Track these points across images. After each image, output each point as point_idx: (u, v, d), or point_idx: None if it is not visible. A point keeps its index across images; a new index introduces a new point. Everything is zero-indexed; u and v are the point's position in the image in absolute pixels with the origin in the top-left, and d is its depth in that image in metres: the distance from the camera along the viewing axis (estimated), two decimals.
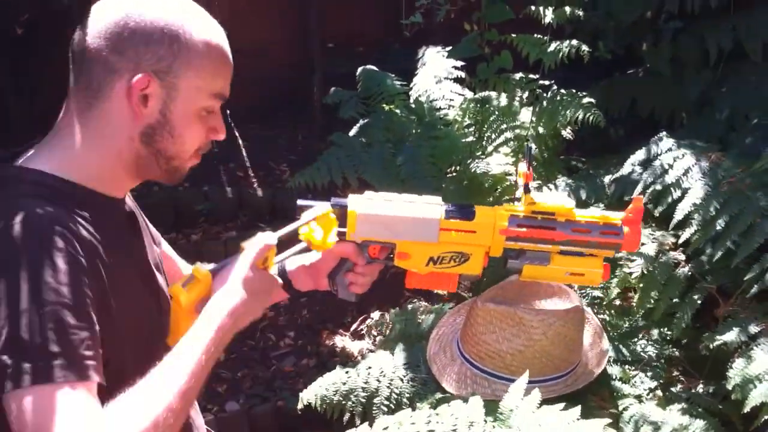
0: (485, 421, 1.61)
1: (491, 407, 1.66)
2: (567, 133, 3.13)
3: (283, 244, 1.40)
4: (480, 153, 3.07)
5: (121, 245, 1.29)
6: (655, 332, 2.21)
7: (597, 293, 2.33)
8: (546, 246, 1.48)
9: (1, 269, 1.07)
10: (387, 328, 2.86)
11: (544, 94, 3.10)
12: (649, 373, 2.10)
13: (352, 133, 3.36)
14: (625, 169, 2.48)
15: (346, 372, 2.20)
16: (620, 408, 1.99)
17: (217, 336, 1.21)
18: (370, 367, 2.20)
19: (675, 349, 2.18)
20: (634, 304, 2.28)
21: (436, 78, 3.45)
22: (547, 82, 3.18)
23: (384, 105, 3.48)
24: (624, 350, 2.15)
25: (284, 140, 5.44)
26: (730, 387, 1.91)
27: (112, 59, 1.21)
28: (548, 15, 3.09)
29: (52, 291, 1.07)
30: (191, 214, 4.59)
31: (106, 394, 1.08)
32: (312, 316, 3.92)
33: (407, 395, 2.10)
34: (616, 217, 1.48)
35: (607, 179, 2.63)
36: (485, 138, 3.11)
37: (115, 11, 1.21)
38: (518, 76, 3.35)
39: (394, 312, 2.76)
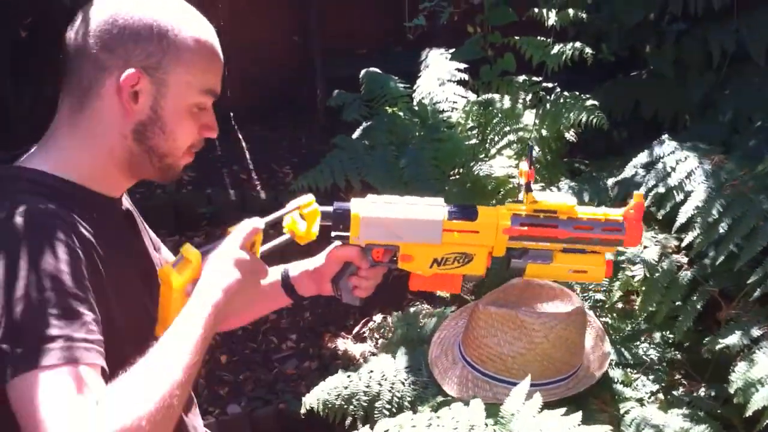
0: (486, 424, 1.60)
1: (492, 410, 1.65)
2: (570, 135, 3.12)
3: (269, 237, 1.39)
4: (483, 155, 3.06)
5: (120, 245, 1.29)
6: (657, 335, 2.20)
7: (599, 296, 2.32)
8: (549, 244, 1.48)
9: (1, 258, 1.07)
10: (389, 331, 2.86)
11: (548, 97, 3.10)
12: (650, 377, 2.09)
13: (355, 135, 3.36)
14: (628, 172, 2.47)
15: (348, 376, 2.20)
16: (622, 411, 1.98)
17: (213, 312, 1.18)
18: (371, 371, 2.20)
19: (677, 353, 2.17)
20: (636, 307, 2.27)
21: (439, 80, 3.45)
22: (550, 85, 3.19)
23: (387, 107, 3.48)
24: (626, 353, 2.15)
25: (286, 142, 5.44)
26: (732, 390, 1.90)
27: (101, 57, 1.22)
28: (551, 17, 3.09)
29: (52, 278, 1.07)
30: (194, 217, 4.58)
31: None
32: (314, 318, 3.91)
33: (409, 399, 2.10)
34: (617, 213, 1.49)
35: (610, 182, 2.62)
36: (488, 140, 3.11)
37: (104, 10, 1.23)
38: (521, 78, 3.36)
39: (396, 315, 2.75)
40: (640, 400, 2.03)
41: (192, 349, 1.12)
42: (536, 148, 3.00)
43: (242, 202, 4.71)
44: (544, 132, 3.04)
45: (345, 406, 2.13)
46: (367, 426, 1.73)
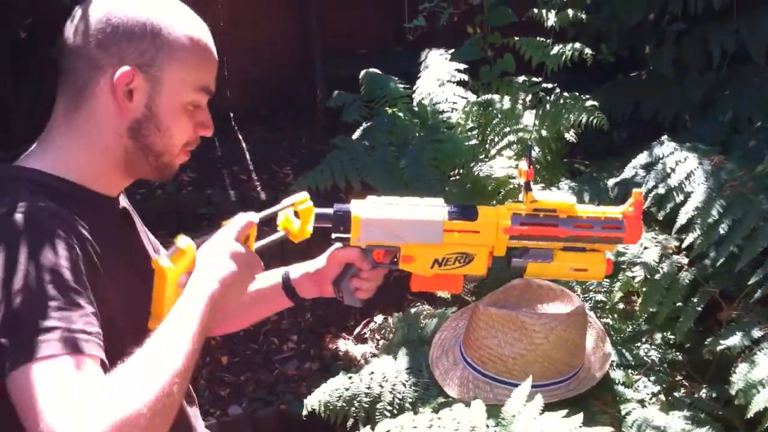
0: (487, 425, 1.60)
1: (493, 412, 1.65)
2: (570, 136, 3.12)
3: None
4: (483, 156, 3.06)
5: (118, 243, 1.30)
6: (658, 336, 2.20)
7: (600, 297, 2.32)
8: (549, 243, 1.49)
9: (0, 252, 1.07)
10: (390, 332, 2.86)
11: (547, 97, 3.10)
12: (652, 378, 2.09)
13: (355, 136, 3.36)
14: (628, 173, 2.47)
15: (349, 377, 2.20)
16: (623, 412, 1.98)
17: (209, 303, 1.17)
18: (372, 372, 2.20)
19: (678, 354, 2.17)
20: (637, 308, 2.27)
21: (439, 81, 3.45)
22: (550, 85, 3.18)
23: (387, 108, 3.48)
24: (627, 354, 2.14)
25: (287, 142, 5.43)
26: (733, 392, 1.90)
27: (96, 56, 1.23)
28: (551, 18, 3.09)
29: (51, 272, 1.07)
30: (194, 217, 4.59)
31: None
32: (315, 319, 3.91)
33: (410, 400, 2.10)
34: (616, 211, 1.49)
35: (610, 182, 2.62)
36: (488, 141, 3.10)
37: (98, 10, 1.24)
38: (521, 79, 3.36)
39: (397, 316, 2.75)
40: (642, 402, 2.02)
41: (190, 338, 1.11)
42: (536, 148, 3.00)
43: (242, 202, 4.70)
44: (544, 132, 3.04)
45: (346, 408, 2.13)
46: (368, 427, 1.73)
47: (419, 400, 2.09)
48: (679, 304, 2.17)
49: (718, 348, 2.01)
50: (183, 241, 1.27)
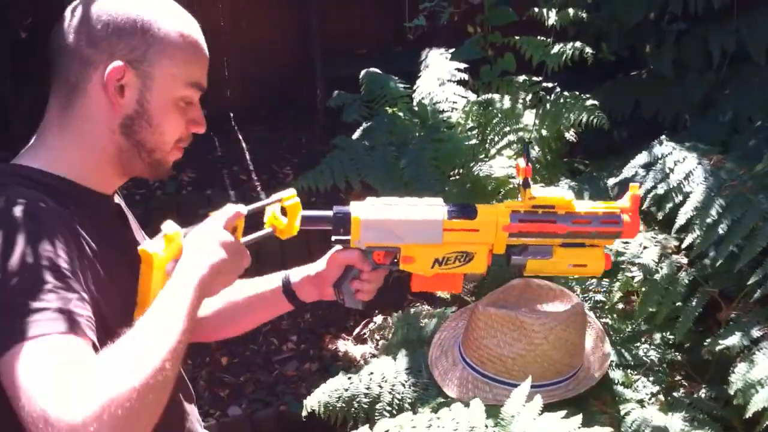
0: (486, 426, 1.60)
1: (492, 412, 1.65)
2: (570, 135, 3.12)
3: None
4: (483, 156, 3.06)
5: (113, 241, 1.30)
6: (657, 336, 2.20)
7: (599, 297, 2.32)
8: (548, 239, 1.49)
9: None
10: (389, 332, 2.86)
11: (548, 97, 3.10)
12: (651, 378, 2.09)
13: (355, 136, 3.36)
14: (627, 172, 2.47)
15: (349, 378, 2.20)
16: (622, 413, 1.98)
17: (199, 286, 1.17)
18: (372, 373, 2.20)
19: (677, 354, 2.17)
20: (637, 308, 2.27)
21: (439, 81, 3.45)
22: (550, 85, 3.18)
23: (387, 108, 3.48)
24: (626, 354, 2.14)
25: (287, 142, 5.43)
26: (732, 392, 1.90)
27: (87, 53, 1.24)
28: (551, 17, 3.09)
29: (46, 259, 1.07)
30: (194, 218, 4.56)
31: None
32: (315, 320, 3.91)
33: (409, 400, 2.10)
34: (614, 205, 1.50)
35: (610, 182, 2.62)
36: (488, 141, 3.10)
37: (89, 7, 1.25)
38: (521, 78, 3.35)
39: (396, 316, 2.75)
40: (641, 402, 2.02)
41: (182, 317, 1.10)
42: (536, 148, 3.00)
43: (242, 202, 4.68)
44: (544, 132, 3.04)
45: (346, 408, 2.13)
46: (367, 426, 1.73)
47: (418, 401, 2.09)
48: (678, 304, 2.17)
49: (718, 348, 2.01)
50: (170, 227, 1.27)
